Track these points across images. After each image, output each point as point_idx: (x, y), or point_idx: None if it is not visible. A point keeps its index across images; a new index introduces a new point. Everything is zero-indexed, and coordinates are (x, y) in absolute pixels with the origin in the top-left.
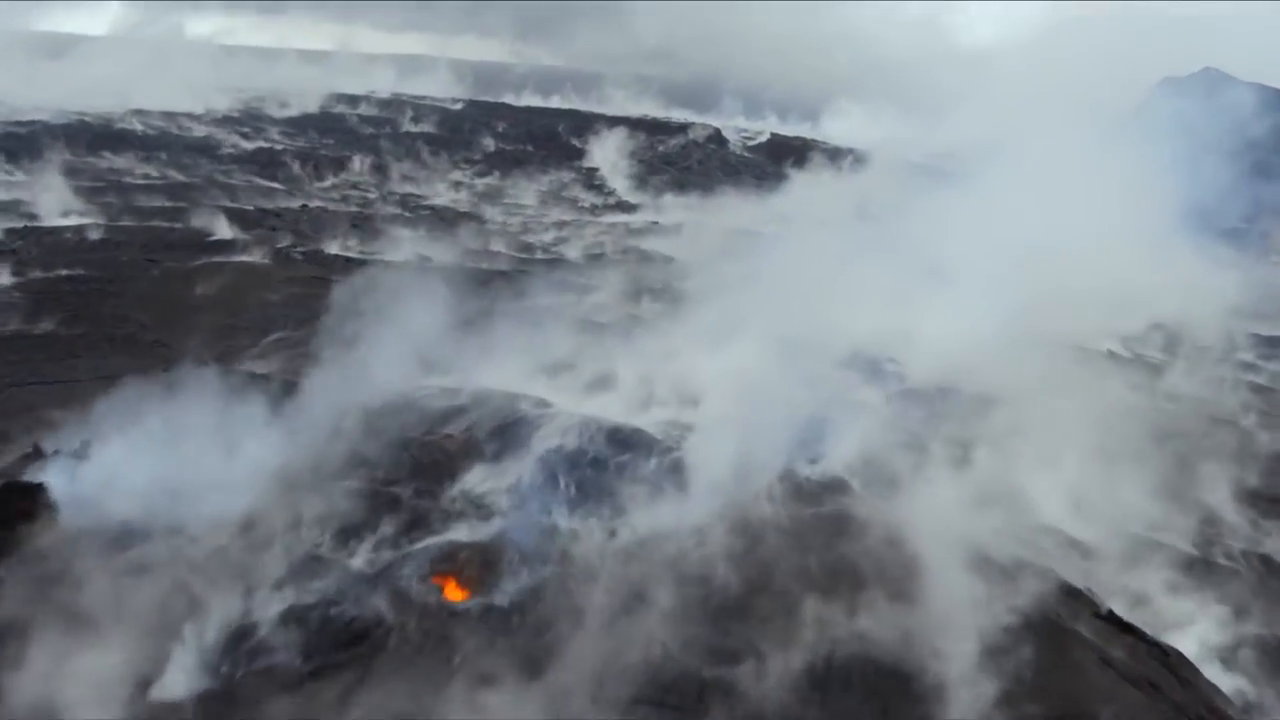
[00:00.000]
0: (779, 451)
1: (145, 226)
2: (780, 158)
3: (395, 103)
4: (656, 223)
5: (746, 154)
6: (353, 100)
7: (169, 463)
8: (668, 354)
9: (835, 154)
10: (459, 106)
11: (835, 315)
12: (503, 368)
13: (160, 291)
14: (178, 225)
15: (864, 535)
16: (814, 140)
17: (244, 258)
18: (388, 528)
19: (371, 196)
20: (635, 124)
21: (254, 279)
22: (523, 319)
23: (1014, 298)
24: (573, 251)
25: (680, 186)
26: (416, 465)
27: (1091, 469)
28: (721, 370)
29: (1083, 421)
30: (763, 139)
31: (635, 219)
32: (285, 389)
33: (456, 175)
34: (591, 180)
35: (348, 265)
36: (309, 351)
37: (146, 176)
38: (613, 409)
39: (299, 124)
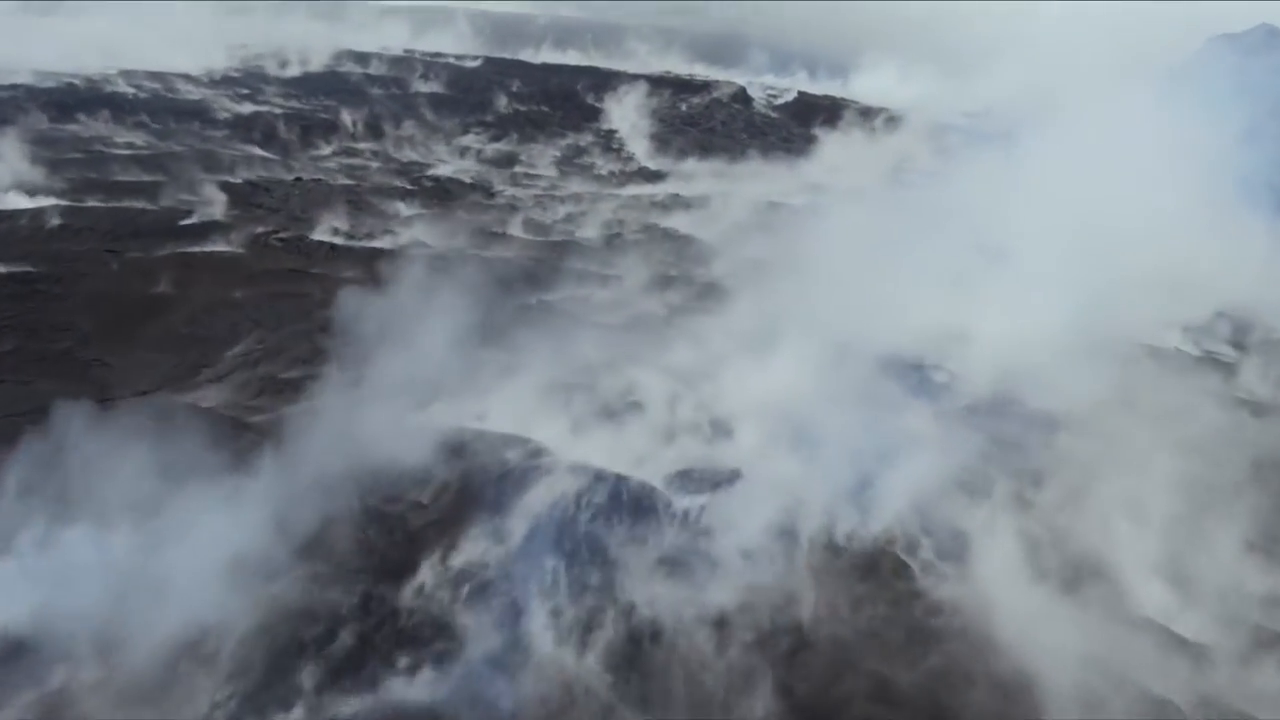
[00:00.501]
0: (822, 500)
1: (113, 208)
2: (808, 118)
3: (406, 61)
4: (679, 195)
5: (773, 114)
6: (362, 58)
7: (61, 559)
8: (694, 368)
9: (866, 114)
10: (473, 64)
11: (877, 310)
12: (504, 391)
13: (115, 291)
14: (150, 206)
15: (946, 640)
16: (844, 99)
17: (217, 247)
18: (317, 669)
19: (372, 166)
20: (657, 82)
21: (224, 273)
22: (530, 324)
23: (1071, 285)
24: (590, 231)
25: (703, 150)
26: (374, 551)
27: (1180, 516)
28: (755, 389)
29: (1159, 447)
30: (790, 98)
31: (657, 190)
32: (234, 434)
33: (467, 140)
34: (610, 144)
35: (333, 255)
36: (272, 374)
37: (129, 146)
38: (630, 444)
39: (302, 85)
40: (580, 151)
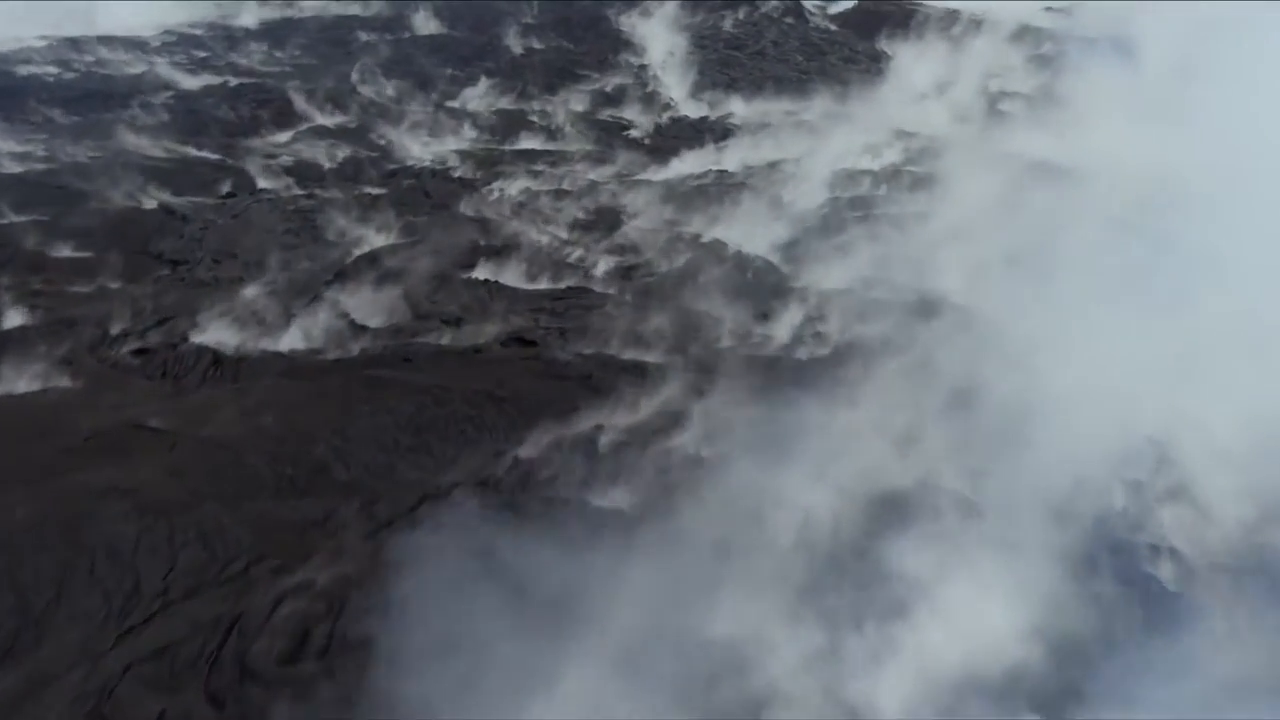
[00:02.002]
0: None
1: None
2: (872, 29)
3: None
4: (733, 174)
5: (831, 26)
6: None
7: None
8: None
9: (940, 20)
10: None
11: (1054, 401)
12: None
13: None
14: None
15: None
16: (914, 4)
17: (25, 383)
18: None
19: (338, 157)
20: None
21: (10, 451)
22: (498, 557)
23: None
24: (614, 258)
25: (755, 84)
26: None
27: None
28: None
29: None
30: (848, 4)
31: (705, 165)
32: None
33: (465, 98)
34: (644, 86)
35: (213, 377)
36: None
37: (22, 159)
38: None
39: (275, 37)
40: (608, 100)
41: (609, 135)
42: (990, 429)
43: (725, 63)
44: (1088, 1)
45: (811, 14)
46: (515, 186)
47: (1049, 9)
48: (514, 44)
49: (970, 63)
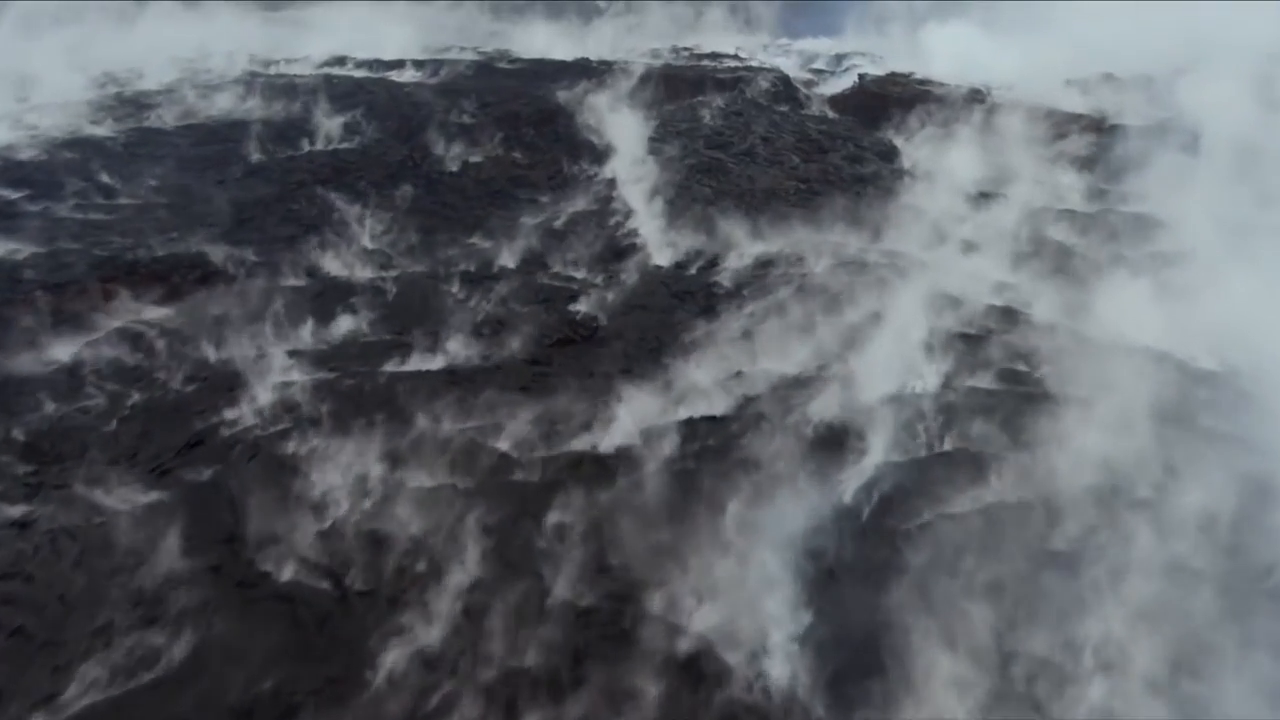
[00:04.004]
0: None
1: None
2: (877, 117)
3: (317, 84)
4: (725, 424)
5: (830, 113)
6: (266, 88)
7: None
8: None
9: (952, 103)
10: (419, 75)
11: None
12: None
13: None
14: None
15: None
16: (919, 82)
17: None
18: None
19: (127, 401)
20: (668, 80)
21: None
22: None
23: None
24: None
25: (746, 204)
26: None
27: None
28: None
29: None
30: (846, 84)
31: (681, 396)
32: None
33: (361, 255)
34: (606, 213)
35: None
36: None
37: None
38: None
39: (136, 161)
40: (558, 242)
41: (551, 316)
42: None
43: (707, 169)
44: (1114, 76)
45: (804, 94)
46: (381, 484)
47: (1071, 83)
48: (444, 154)
49: (1001, 164)
